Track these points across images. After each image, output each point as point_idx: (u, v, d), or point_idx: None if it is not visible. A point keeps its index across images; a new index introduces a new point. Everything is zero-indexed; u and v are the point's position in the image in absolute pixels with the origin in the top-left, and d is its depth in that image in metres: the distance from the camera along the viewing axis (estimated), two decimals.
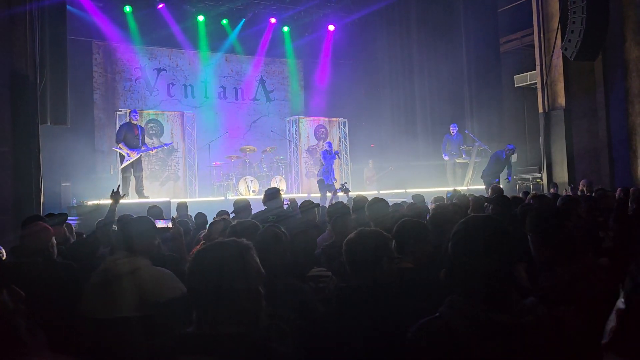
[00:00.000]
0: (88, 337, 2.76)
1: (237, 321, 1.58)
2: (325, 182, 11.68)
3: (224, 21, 14.83)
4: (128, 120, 10.91)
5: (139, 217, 3.32)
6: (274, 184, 12.54)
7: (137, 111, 11.25)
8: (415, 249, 3.00)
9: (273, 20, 15.25)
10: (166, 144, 12.17)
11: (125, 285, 2.76)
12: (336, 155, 12.30)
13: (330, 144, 12.95)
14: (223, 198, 11.56)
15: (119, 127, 10.91)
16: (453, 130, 13.15)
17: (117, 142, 10.61)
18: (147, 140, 11.68)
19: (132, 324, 2.66)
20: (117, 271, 2.83)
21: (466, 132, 13.41)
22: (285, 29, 15.74)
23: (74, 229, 5.69)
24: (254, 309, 1.63)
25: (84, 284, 2.96)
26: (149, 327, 2.58)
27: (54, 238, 3.42)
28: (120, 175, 10.86)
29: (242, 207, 5.78)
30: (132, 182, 10.70)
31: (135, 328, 2.63)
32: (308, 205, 5.53)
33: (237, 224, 3.52)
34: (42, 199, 8.44)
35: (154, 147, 11.47)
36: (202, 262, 1.64)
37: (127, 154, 10.52)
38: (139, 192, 10.64)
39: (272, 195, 5.85)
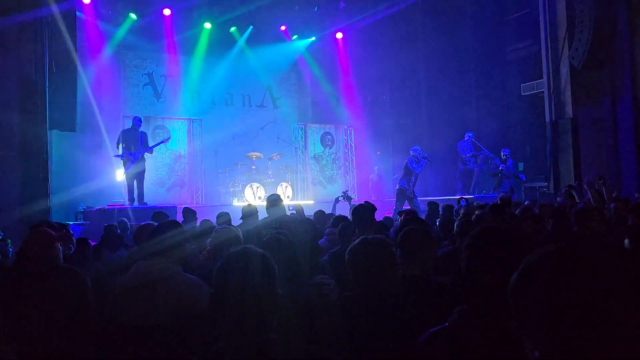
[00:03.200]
0: (118, 344, 2.70)
1: (262, 328, 1.61)
2: (407, 194, 10.85)
3: (233, 28, 14.89)
4: (130, 127, 10.91)
5: (170, 221, 3.22)
6: (280, 191, 12.51)
7: (141, 119, 11.17)
8: (421, 257, 2.99)
9: (283, 27, 15.29)
10: (163, 140, 11.86)
11: (160, 291, 2.70)
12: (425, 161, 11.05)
13: (417, 149, 11.32)
14: (229, 204, 11.56)
15: (120, 133, 10.89)
16: (467, 137, 13.18)
17: (117, 147, 10.61)
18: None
19: (166, 332, 2.60)
20: (151, 276, 2.77)
21: (472, 140, 13.40)
22: (294, 36, 15.79)
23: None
24: (271, 313, 1.67)
25: (106, 288, 2.91)
26: (182, 335, 2.55)
27: (58, 244, 3.42)
28: (126, 182, 10.94)
29: (248, 213, 5.80)
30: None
31: (170, 336, 2.59)
32: (320, 215, 5.49)
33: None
34: (49, 204, 8.49)
35: (151, 147, 11.08)
36: (231, 266, 1.67)
37: (126, 158, 10.54)
38: (138, 199, 10.66)
39: (273, 202, 5.82)
